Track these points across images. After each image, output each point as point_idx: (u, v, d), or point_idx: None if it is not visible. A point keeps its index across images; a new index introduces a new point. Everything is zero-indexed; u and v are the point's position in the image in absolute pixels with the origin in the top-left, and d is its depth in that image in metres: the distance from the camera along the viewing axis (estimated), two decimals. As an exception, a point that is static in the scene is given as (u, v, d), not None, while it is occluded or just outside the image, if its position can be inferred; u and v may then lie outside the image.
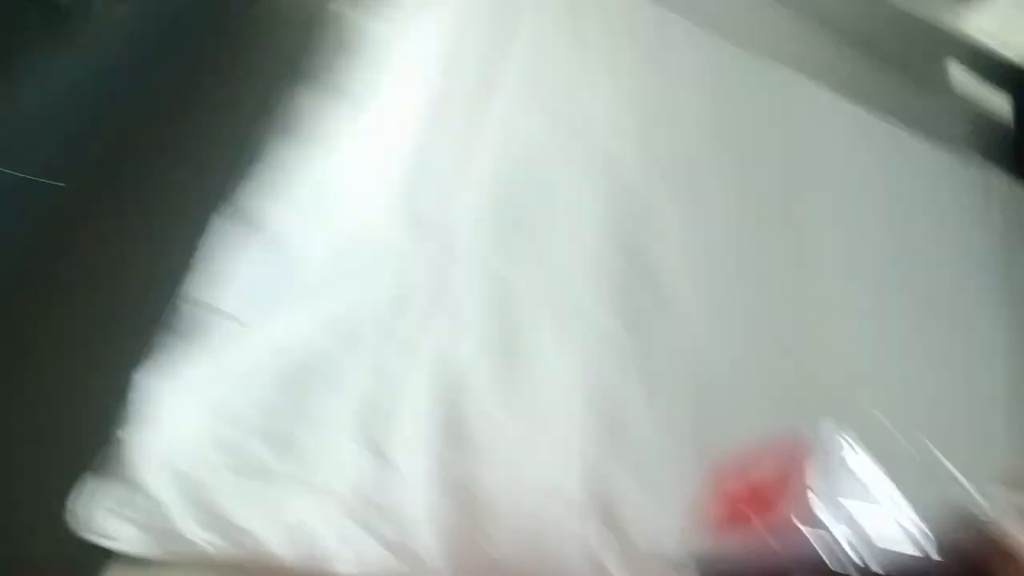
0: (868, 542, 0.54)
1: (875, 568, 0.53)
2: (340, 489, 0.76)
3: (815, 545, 0.55)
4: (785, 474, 0.62)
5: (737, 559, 0.62)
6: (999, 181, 1.55)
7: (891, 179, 1.41)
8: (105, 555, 0.71)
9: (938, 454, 0.55)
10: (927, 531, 0.54)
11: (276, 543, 0.71)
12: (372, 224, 0.98)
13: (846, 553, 0.54)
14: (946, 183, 1.47)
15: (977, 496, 0.53)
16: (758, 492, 0.66)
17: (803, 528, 0.54)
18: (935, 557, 0.53)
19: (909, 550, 0.54)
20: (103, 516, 0.71)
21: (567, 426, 0.89)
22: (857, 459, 0.59)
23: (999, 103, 2.05)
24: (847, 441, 0.59)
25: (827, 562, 0.58)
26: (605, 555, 0.81)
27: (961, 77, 2.18)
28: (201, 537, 0.71)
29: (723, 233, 1.17)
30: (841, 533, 0.53)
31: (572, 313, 0.99)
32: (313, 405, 0.80)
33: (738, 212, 1.20)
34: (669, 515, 0.84)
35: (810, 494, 0.54)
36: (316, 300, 0.89)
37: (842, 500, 0.54)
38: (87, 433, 0.75)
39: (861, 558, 0.53)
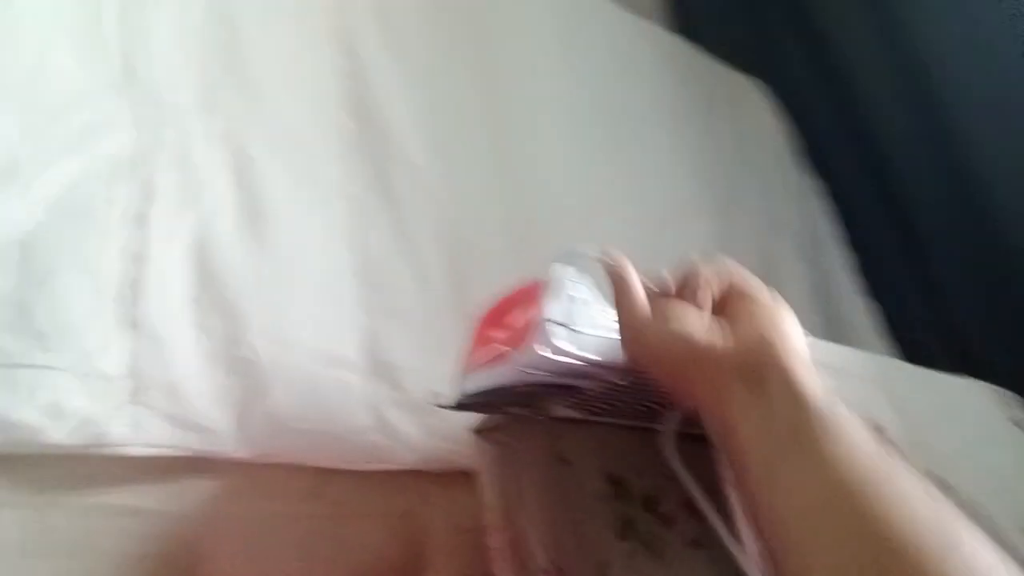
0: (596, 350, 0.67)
1: (593, 358, 0.66)
2: (112, 371, 0.74)
3: (556, 366, 0.67)
4: (527, 310, 0.73)
5: (491, 388, 0.73)
6: (670, 40, 1.81)
7: (591, 43, 1.59)
8: None
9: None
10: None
11: (56, 434, 0.68)
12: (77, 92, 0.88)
13: (582, 366, 0.67)
14: (632, 44, 1.69)
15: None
16: (505, 326, 0.77)
17: (546, 354, 0.65)
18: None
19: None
20: None
21: (346, 299, 0.94)
22: (585, 291, 0.71)
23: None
24: (578, 279, 0.72)
25: (565, 378, 0.71)
26: (386, 407, 0.89)
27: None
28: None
29: (448, 95, 1.26)
30: (577, 353, 0.66)
31: (319, 181, 1.02)
32: (61, 291, 0.75)
33: (460, 76, 1.30)
34: (439, 366, 0.95)
35: (549, 325, 0.65)
36: (28, 184, 0.79)
37: (576, 327, 0.67)
38: None
39: (589, 360, 0.66)
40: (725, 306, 0.54)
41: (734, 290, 0.55)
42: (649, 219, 1.40)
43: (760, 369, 0.47)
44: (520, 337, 0.70)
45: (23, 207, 0.77)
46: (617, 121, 1.50)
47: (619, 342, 0.69)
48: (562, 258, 0.73)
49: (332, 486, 0.87)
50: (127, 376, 0.75)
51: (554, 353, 0.66)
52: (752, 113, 1.89)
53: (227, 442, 0.79)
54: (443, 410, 0.79)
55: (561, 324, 0.67)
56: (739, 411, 0.47)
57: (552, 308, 0.68)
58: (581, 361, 0.67)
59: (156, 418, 0.74)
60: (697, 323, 0.51)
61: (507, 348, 0.70)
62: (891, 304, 1.73)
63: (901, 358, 1.63)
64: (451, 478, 0.94)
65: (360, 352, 0.92)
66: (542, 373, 0.70)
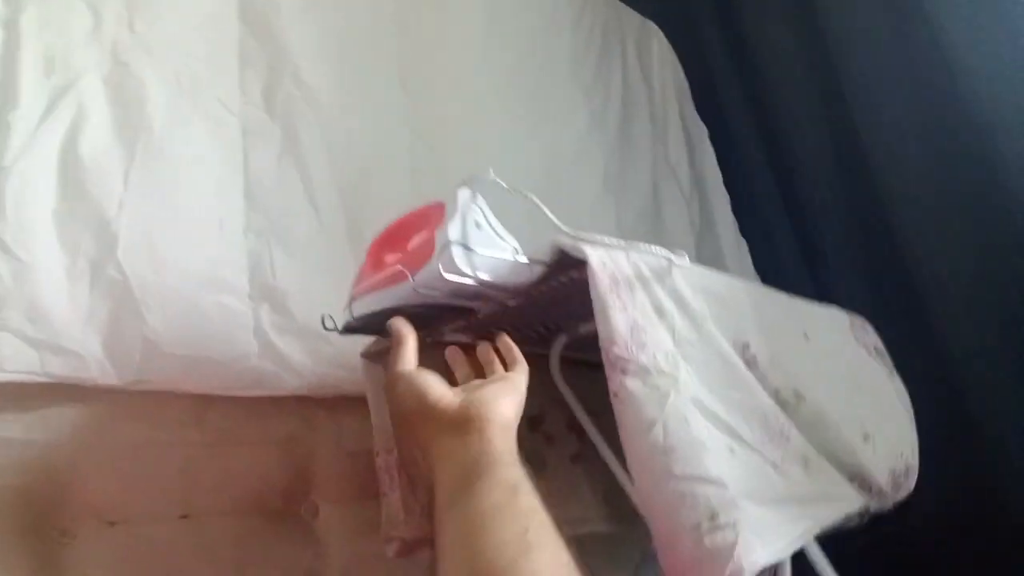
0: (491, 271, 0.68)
1: (488, 279, 0.68)
2: (-36, 292, 0.68)
3: (451, 287, 0.67)
4: (423, 232, 0.72)
5: (382, 310, 0.73)
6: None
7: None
8: None
9: (543, 208, 0.70)
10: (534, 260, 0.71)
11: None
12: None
13: (474, 287, 0.68)
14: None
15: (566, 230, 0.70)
16: (399, 249, 0.76)
17: (446, 273, 0.65)
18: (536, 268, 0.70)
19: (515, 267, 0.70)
20: None
21: (229, 222, 0.89)
22: (482, 216, 0.71)
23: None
24: (478, 205, 0.72)
25: (458, 299, 0.72)
26: (272, 333, 0.87)
27: None
28: None
29: (353, 14, 1.19)
30: (473, 273, 0.66)
31: (203, 92, 0.95)
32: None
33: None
34: (328, 292, 0.92)
35: (450, 245, 0.65)
36: None
37: (473, 247, 0.67)
38: None
39: (484, 280, 0.67)
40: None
41: (488, 364, 0.72)
42: (549, 156, 1.41)
43: (464, 425, 0.58)
44: (416, 258, 0.70)
45: None
46: (523, 57, 1.48)
47: (512, 264, 0.71)
48: (465, 183, 0.72)
49: (213, 412, 0.84)
50: (-22, 294, 0.69)
51: (451, 272, 0.66)
52: (651, 57, 1.91)
53: (95, 367, 0.74)
54: (331, 334, 0.78)
55: (461, 244, 0.67)
56: (439, 457, 0.57)
57: (453, 229, 0.67)
58: (476, 281, 0.68)
59: (14, 340, 0.69)
60: (436, 385, 0.63)
61: (402, 269, 0.70)
62: (763, 241, 1.83)
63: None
64: (337, 403, 0.94)
65: (244, 276, 0.89)
66: (436, 293, 0.70)
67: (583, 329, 0.91)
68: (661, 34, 2.03)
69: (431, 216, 0.74)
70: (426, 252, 0.69)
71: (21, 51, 0.80)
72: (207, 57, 0.98)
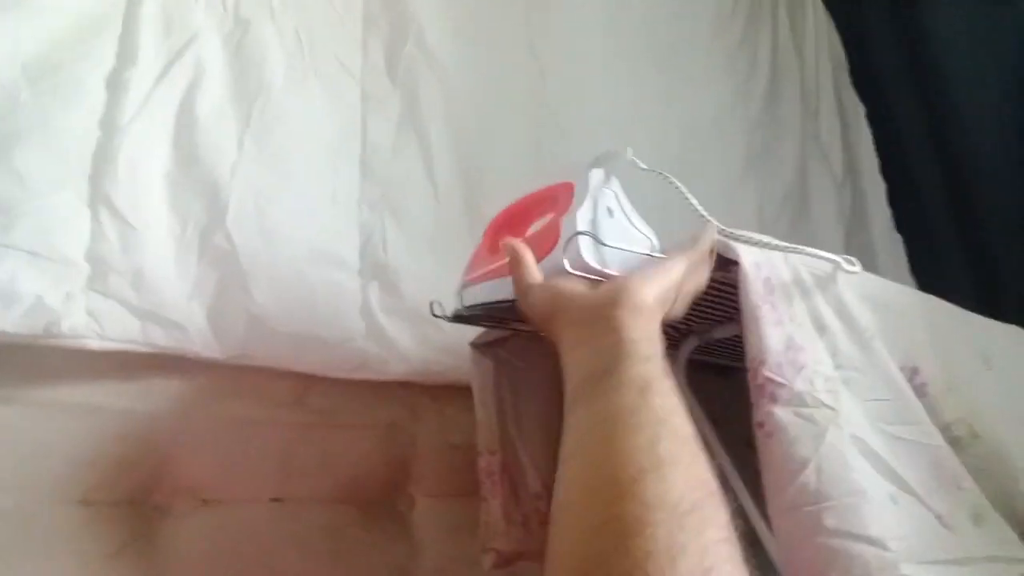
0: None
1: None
2: (74, 256, 0.66)
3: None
4: (547, 214, 0.64)
5: (497, 300, 0.66)
6: None
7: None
8: None
9: (689, 195, 0.60)
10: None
11: (7, 321, 0.60)
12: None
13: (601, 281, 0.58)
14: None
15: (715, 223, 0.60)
16: (520, 232, 0.69)
17: (569, 268, 0.57)
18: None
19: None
20: None
21: (343, 193, 0.85)
22: (613, 199, 0.62)
23: None
24: (612, 189, 0.62)
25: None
26: (379, 313, 0.82)
27: None
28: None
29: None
30: (602, 268, 0.57)
31: (323, 55, 0.90)
32: (25, 164, 0.65)
33: None
34: (440, 273, 0.86)
35: (579, 236, 0.57)
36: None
37: (606, 241, 0.58)
38: None
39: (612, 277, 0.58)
40: None
41: None
42: (685, 130, 1.28)
43: (593, 312, 0.49)
44: (538, 245, 0.62)
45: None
46: (661, 19, 1.35)
47: (648, 261, 0.61)
48: (597, 161, 0.63)
49: (314, 393, 0.80)
50: (85, 259, 0.67)
51: (577, 268, 0.57)
52: (804, 23, 1.72)
53: (198, 340, 0.71)
54: (440, 320, 0.71)
55: (590, 235, 0.58)
56: (566, 351, 0.49)
57: (582, 217, 0.59)
58: (603, 277, 0.59)
59: (117, 308, 0.67)
60: (571, 283, 0.54)
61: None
62: (923, 240, 1.62)
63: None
64: (442, 391, 0.88)
65: (355, 251, 0.84)
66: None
67: (718, 333, 0.80)
68: (819, -2, 1.83)
69: (558, 198, 0.65)
70: (550, 240, 0.60)
71: (143, 7, 0.78)
72: (329, 15, 0.93)
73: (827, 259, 0.64)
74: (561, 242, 0.58)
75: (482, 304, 0.68)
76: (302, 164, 0.83)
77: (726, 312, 0.72)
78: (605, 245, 0.58)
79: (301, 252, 0.80)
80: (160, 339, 0.69)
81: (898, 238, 1.60)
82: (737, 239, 0.62)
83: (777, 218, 1.37)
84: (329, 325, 0.79)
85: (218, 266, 0.74)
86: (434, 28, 1.00)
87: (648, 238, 0.63)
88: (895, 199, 1.65)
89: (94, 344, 0.65)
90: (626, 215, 0.63)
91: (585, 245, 0.57)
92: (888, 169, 1.68)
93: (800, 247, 0.64)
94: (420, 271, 0.87)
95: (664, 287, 0.53)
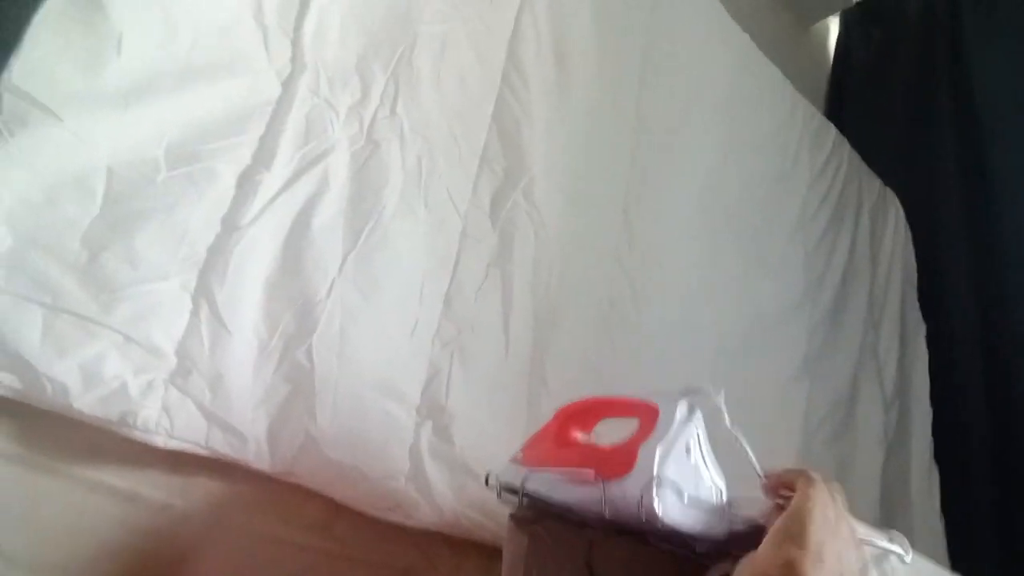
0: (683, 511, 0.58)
1: (685, 529, 0.57)
2: (165, 347, 0.67)
3: (630, 505, 0.58)
4: (631, 431, 0.64)
5: (555, 499, 0.65)
6: (826, 128, 1.67)
7: (752, 117, 1.46)
8: None
9: (757, 468, 0.59)
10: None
11: (83, 401, 0.61)
12: (224, 25, 0.78)
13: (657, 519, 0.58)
14: (789, 127, 1.56)
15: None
16: (591, 425, 0.69)
17: (628, 487, 0.56)
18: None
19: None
20: None
21: (422, 327, 0.86)
22: (699, 442, 0.62)
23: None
24: (695, 424, 0.62)
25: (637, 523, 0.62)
26: (426, 456, 0.82)
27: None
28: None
29: (593, 145, 1.14)
30: (678, 523, 0.57)
31: (440, 187, 0.93)
32: (143, 245, 0.68)
33: (612, 128, 1.19)
34: (492, 429, 0.87)
35: (660, 490, 0.56)
36: (148, 107, 0.71)
37: (683, 491, 0.58)
38: None
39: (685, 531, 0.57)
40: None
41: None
42: (752, 318, 1.30)
43: None
44: (610, 463, 0.62)
45: (139, 131, 0.70)
46: (750, 203, 1.39)
47: (715, 510, 0.60)
48: (686, 393, 0.63)
49: (343, 522, 0.79)
50: (175, 353, 0.68)
51: (649, 516, 0.57)
52: (884, 230, 1.75)
53: (252, 451, 0.71)
54: (488, 487, 0.71)
55: (669, 487, 0.58)
56: None
57: (660, 457, 0.59)
58: (677, 530, 0.58)
59: (191, 408, 0.67)
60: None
61: (595, 475, 0.62)
62: (959, 476, 1.59)
63: (950, 535, 1.50)
64: (462, 544, 0.87)
65: (419, 387, 0.85)
66: (621, 516, 0.62)
67: None
68: (900, 207, 1.87)
69: (640, 414, 0.65)
70: (623, 463, 0.60)
71: (291, 113, 0.81)
72: (451, 149, 0.96)
73: (878, 545, 0.63)
74: (635, 471, 0.58)
75: (541, 496, 0.68)
76: (393, 291, 0.85)
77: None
78: (681, 498, 0.58)
79: (369, 379, 0.80)
80: (219, 444, 0.69)
81: (935, 469, 1.57)
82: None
83: (820, 426, 1.36)
84: (376, 458, 0.79)
85: (292, 381, 0.74)
86: (543, 181, 1.03)
87: (718, 486, 0.63)
88: (938, 428, 1.63)
89: (160, 441, 0.65)
90: (703, 456, 0.63)
91: (664, 498, 0.57)
92: (938, 395, 1.67)
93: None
94: (474, 420, 0.87)
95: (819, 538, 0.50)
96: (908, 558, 0.65)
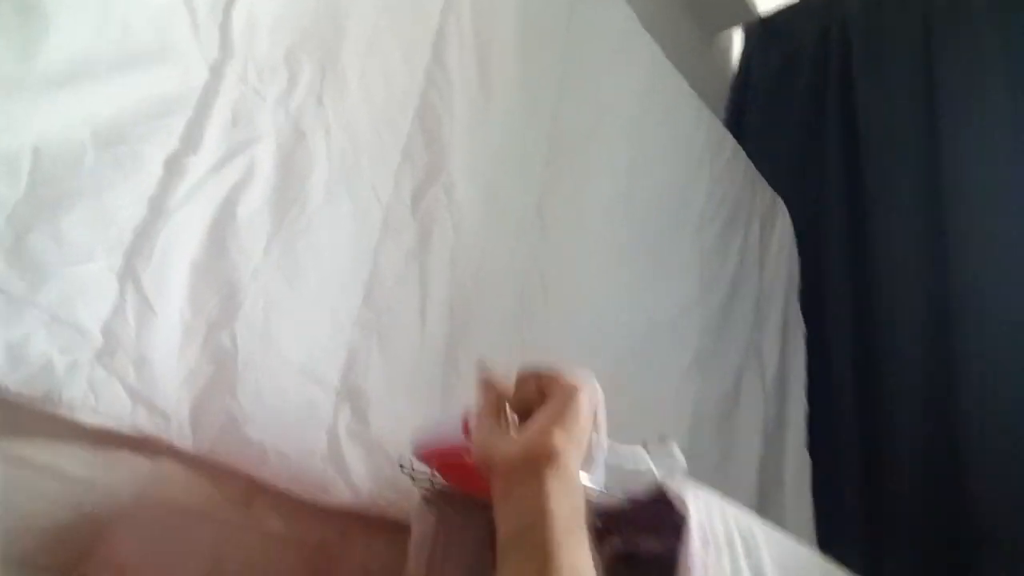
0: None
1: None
2: (90, 326, 0.68)
3: None
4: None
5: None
6: (724, 138, 1.80)
7: (658, 124, 1.57)
8: None
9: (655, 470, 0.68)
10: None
11: (9, 379, 0.62)
12: (155, 12, 0.79)
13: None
14: (693, 135, 1.69)
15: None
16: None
17: None
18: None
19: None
20: None
21: (343, 312, 0.90)
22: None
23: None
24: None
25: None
26: (344, 437, 0.86)
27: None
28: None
29: (512, 139, 1.21)
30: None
31: (362, 179, 0.97)
32: (69, 226, 0.68)
33: (530, 125, 1.25)
34: (408, 409, 0.92)
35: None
36: (77, 90, 0.72)
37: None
38: None
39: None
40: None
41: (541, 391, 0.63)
42: (652, 316, 1.40)
43: (513, 475, 0.55)
44: None
45: (66, 116, 0.71)
46: (655, 210, 1.49)
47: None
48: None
49: (261, 499, 0.82)
50: (100, 332, 0.69)
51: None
52: (772, 237, 1.90)
53: (175, 430, 0.73)
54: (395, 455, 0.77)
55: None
56: (497, 506, 0.55)
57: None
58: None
59: (116, 386, 0.69)
60: (494, 439, 0.60)
61: None
62: (828, 466, 1.75)
63: (819, 518, 1.66)
64: (374, 520, 0.91)
65: (338, 371, 0.88)
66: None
67: (643, 544, 0.87)
68: (788, 216, 2.03)
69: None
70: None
71: (218, 98, 0.83)
72: (374, 143, 1.00)
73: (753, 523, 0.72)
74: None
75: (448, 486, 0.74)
76: (315, 279, 0.88)
77: (651, 522, 0.80)
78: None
79: (290, 364, 0.84)
80: (144, 423, 0.71)
81: (807, 458, 1.74)
82: (687, 491, 0.69)
83: (708, 417, 1.48)
84: (295, 439, 0.83)
85: (215, 363, 0.77)
86: (462, 176, 1.08)
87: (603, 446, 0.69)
88: (812, 422, 1.79)
89: (86, 418, 0.67)
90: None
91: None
92: (813, 392, 1.83)
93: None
94: (391, 402, 0.92)
95: (580, 436, 0.58)
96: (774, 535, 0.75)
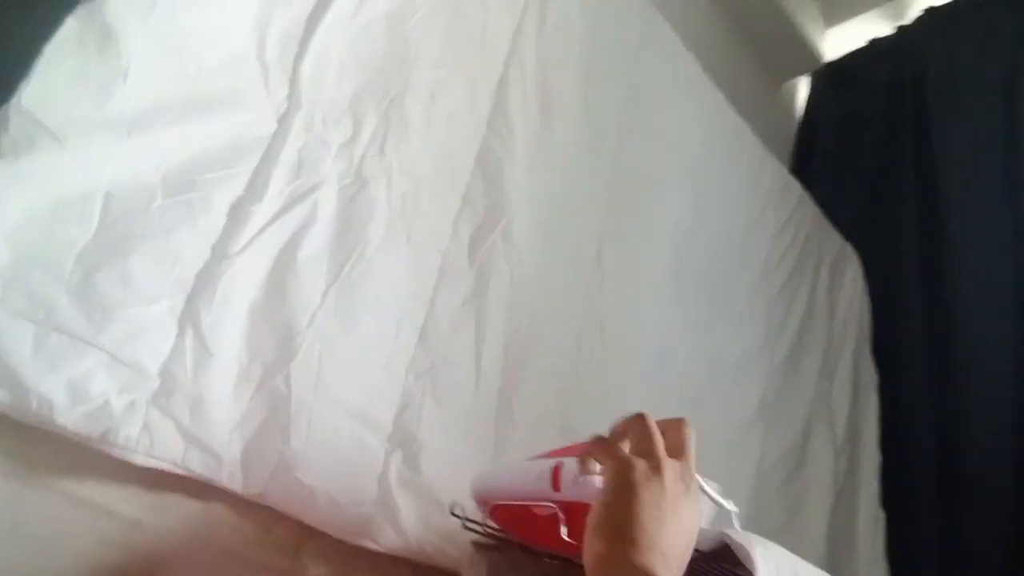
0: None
1: None
2: (149, 367, 0.69)
3: None
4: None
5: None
6: (792, 186, 1.76)
7: (724, 173, 1.54)
8: None
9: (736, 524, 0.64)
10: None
11: (67, 417, 0.63)
12: (227, 61, 0.83)
13: None
14: (759, 183, 1.65)
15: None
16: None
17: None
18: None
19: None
20: None
21: (397, 358, 0.89)
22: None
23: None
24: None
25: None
26: (394, 483, 0.85)
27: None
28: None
29: (573, 189, 1.20)
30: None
31: (422, 226, 0.97)
32: (135, 268, 0.70)
33: (592, 174, 1.24)
34: (462, 467, 0.90)
35: None
36: (149, 135, 0.75)
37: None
38: None
39: None
40: None
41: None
42: (714, 362, 1.36)
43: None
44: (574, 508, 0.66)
45: (139, 158, 0.73)
46: (719, 253, 1.45)
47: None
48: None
49: (312, 545, 0.82)
50: (158, 373, 0.70)
51: None
52: (842, 285, 1.83)
53: (226, 472, 0.74)
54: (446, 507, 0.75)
55: None
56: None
57: None
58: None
59: (171, 428, 0.70)
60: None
61: (557, 513, 0.65)
62: (903, 523, 1.65)
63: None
64: (422, 569, 0.89)
65: (391, 416, 0.88)
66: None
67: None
68: (858, 263, 1.95)
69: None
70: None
71: (284, 148, 0.85)
72: (435, 188, 1.00)
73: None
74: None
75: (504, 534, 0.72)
76: (372, 323, 0.88)
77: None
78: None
79: (343, 408, 0.83)
80: (196, 465, 0.71)
81: (881, 515, 1.63)
82: (754, 547, 0.65)
83: (773, 471, 1.41)
84: (346, 484, 0.82)
85: (268, 406, 0.77)
86: (522, 223, 1.08)
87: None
88: (887, 476, 1.69)
89: (139, 460, 0.68)
90: None
91: None
92: (887, 444, 1.73)
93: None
94: (443, 450, 0.90)
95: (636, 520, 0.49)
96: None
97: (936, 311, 1.84)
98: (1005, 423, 1.58)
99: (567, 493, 0.61)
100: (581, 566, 0.54)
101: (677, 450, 0.56)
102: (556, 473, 0.63)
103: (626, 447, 0.57)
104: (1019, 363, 1.60)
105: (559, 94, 1.19)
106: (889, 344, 1.88)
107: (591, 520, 0.52)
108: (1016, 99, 1.80)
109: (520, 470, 0.69)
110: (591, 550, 0.50)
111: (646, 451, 0.54)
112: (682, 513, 0.52)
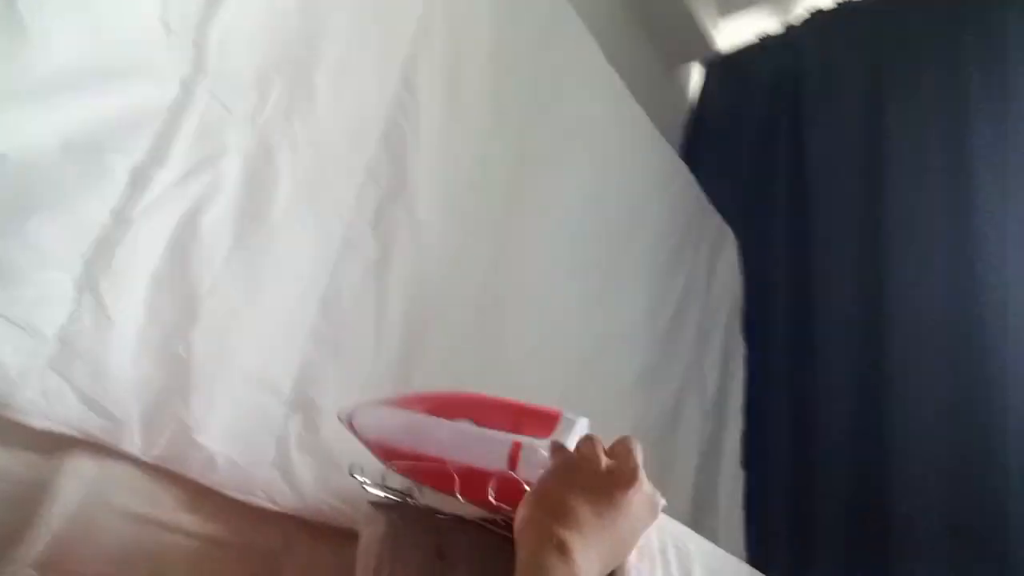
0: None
1: None
2: (46, 332, 0.69)
3: None
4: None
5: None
6: (677, 165, 1.88)
7: (618, 152, 1.63)
8: None
9: None
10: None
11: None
12: (131, 26, 0.81)
13: None
14: (647, 161, 1.76)
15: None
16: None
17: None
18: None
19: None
20: None
21: (299, 325, 0.92)
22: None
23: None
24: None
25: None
26: (293, 446, 0.88)
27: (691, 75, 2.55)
28: None
29: (476, 165, 1.25)
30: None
31: (326, 197, 0.99)
32: (32, 232, 0.70)
33: (495, 148, 1.29)
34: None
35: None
36: (50, 100, 0.74)
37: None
38: None
39: None
40: None
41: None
42: (603, 331, 1.45)
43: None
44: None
45: (37, 125, 0.72)
46: (613, 231, 1.54)
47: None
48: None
49: (209, 504, 0.84)
50: (57, 337, 0.70)
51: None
52: (718, 262, 1.97)
53: (125, 435, 0.75)
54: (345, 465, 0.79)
55: None
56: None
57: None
58: None
59: (68, 392, 0.70)
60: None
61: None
62: (759, 480, 1.83)
63: (750, 533, 1.74)
64: (319, 529, 0.94)
65: (289, 380, 0.91)
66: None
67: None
68: (735, 244, 2.10)
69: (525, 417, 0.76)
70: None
71: (186, 113, 0.85)
72: (339, 161, 1.02)
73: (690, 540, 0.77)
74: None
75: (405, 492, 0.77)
76: (273, 292, 0.90)
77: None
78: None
79: (243, 373, 0.86)
80: (93, 428, 0.72)
81: (741, 475, 1.81)
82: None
83: (649, 431, 1.53)
84: (245, 447, 0.85)
85: (168, 371, 0.79)
86: (426, 198, 1.12)
87: None
88: (748, 438, 1.87)
89: (36, 423, 0.68)
90: None
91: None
92: (749, 410, 1.91)
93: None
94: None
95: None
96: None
97: (800, 292, 2.02)
98: (852, 391, 1.77)
99: (523, 474, 0.68)
100: (474, 522, 0.62)
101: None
102: (515, 453, 0.70)
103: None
104: (865, 340, 1.79)
105: (467, 72, 1.22)
106: (757, 319, 2.05)
107: (534, 490, 0.63)
108: (881, 105, 1.97)
109: (458, 433, 0.74)
110: (525, 514, 0.60)
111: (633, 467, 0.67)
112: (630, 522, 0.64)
